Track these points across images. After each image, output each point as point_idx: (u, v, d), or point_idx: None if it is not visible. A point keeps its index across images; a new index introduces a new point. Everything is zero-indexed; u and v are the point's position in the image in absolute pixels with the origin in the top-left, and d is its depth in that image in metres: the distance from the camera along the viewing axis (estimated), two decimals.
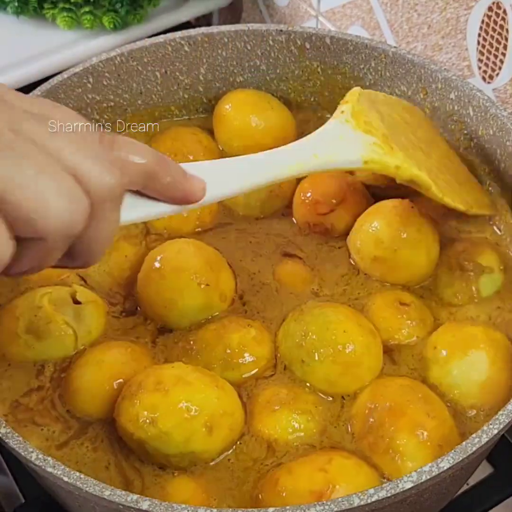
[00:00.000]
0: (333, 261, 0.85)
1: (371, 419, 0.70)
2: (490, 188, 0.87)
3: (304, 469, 0.67)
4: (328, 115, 0.98)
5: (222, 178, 0.67)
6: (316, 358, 0.73)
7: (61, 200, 0.49)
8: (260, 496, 0.67)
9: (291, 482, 0.65)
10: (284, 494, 0.65)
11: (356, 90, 0.80)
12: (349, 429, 0.72)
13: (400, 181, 0.77)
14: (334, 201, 0.86)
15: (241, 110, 0.93)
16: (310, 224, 0.86)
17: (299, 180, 0.89)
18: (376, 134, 0.76)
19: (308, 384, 0.74)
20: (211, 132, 0.96)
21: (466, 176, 0.87)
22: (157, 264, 0.79)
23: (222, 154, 0.94)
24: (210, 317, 0.79)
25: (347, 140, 0.74)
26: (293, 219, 0.88)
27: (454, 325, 0.77)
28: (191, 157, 0.92)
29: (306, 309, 0.77)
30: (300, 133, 0.96)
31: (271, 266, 0.84)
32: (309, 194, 0.87)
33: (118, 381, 0.73)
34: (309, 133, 0.77)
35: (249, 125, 0.93)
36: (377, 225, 0.81)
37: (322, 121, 0.97)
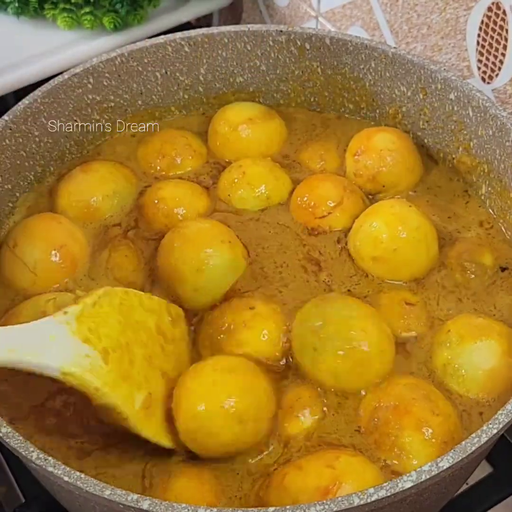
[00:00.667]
0: (342, 259, 0.85)
1: (377, 417, 0.70)
2: (489, 188, 0.88)
3: (311, 465, 0.67)
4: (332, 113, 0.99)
5: None
6: (329, 348, 0.73)
7: None
8: (266, 492, 0.67)
9: (299, 478, 0.66)
10: (290, 489, 0.65)
11: (101, 291, 0.71)
12: (356, 427, 0.72)
13: (97, 404, 0.67)
14: (331, 204, 0.86)
15: (235, 129, 0.94)
16: (308, 227, 0.87)
17: (295, 183, 0.90)
18: (96, 346, 0.67)
19: (313, 376, 0.74)
20: (205, 132, 0.97)
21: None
22: (180, 233, 0.81)
23: (212, 160, 0.95)
24: (235, 281, 0.80)
25: (56, 344, 0.65)
26: (292, 214, 0.89)
27: (470, 315, 0.78)
28: (178, 160, 0.93)
29: (330, 298, 0.77)
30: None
31: (297, 259, 0.85)
32: (306, 198, 0.87)
33: None
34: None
35: (241, 140, 0.94)
36: (375, 225, 0.82)
37: (326, 122, 0.99)
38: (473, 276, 0.82)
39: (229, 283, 0.80)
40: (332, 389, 0.74)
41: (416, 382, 0.73)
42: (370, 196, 0.89)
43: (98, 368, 0.66)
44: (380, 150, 0.89)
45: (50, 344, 0.65)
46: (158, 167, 0.93)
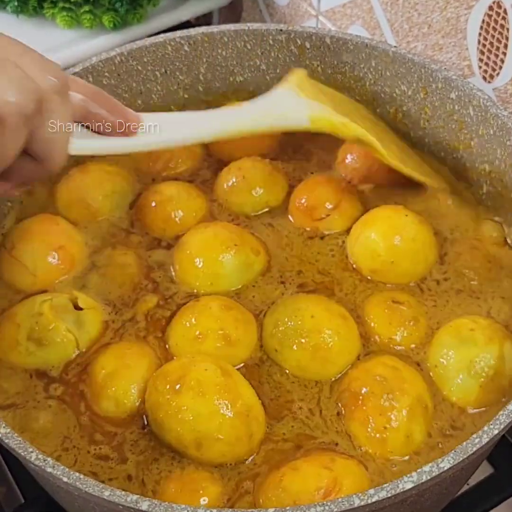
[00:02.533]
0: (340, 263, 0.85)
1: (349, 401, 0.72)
2: (490, 188, 0.88)
3: (308, 467, 0.67)
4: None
5: (179, 127, 0.75)
6: (286, 345, 0.75)
7: (12, 85, 0.58)
8: (263, 493, 0.67)
9: (298, 479, 0.66)
10: (290, 490, 0.65)
11: (301, 70, 0.85)
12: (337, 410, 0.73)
13: (347, 140, 0.82)
14: (329, 206, 0.86)
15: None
16: (306, 229, 0.87)
17: (291, 186, 0.90)
18: (323, 101, 0.81)
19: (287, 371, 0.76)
20: None
21: (413, 154, 0.92)
22: (183, 250, 0.82)
23: (209, 159, 0.95)
24: (255, 278, 0.82)
25: (294, 103, 0.79)
26: (290, 217, 0.88)
27: (483, 317, 0.78)
28: (173, 162, 0.93)
29: (281, 301, 0.79)
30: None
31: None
32: (304, 201, 0.87)
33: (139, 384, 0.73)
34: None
35: (245, 139, 0.93)
36: (372, 237, 0.82)
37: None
38: (471, 280, 0.82)
39: (248, 280, 0.82)
40: (307, 380, 0.75)
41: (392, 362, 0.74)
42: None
43: (334, 113, 0.80)
44: (367, 150, 0.89)
45: (289, 104, 0.79)
46: (153, 169, 0.93)
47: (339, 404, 0.73)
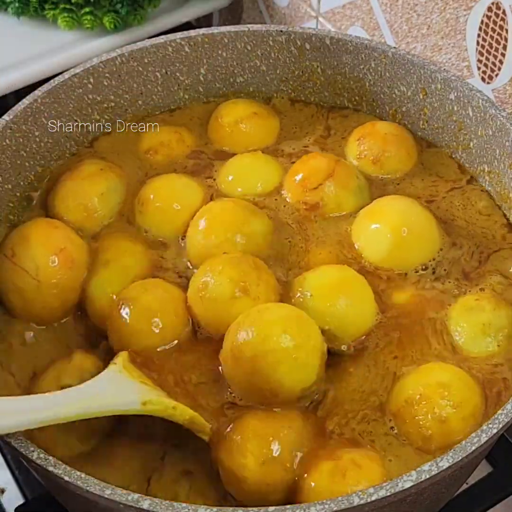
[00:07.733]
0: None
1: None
2: (489, 188, 0.88)
3: (371, 464, 0.67)
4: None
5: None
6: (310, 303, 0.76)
7: None
8: (304, 477, 0.67)
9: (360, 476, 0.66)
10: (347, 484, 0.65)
11: (125, 353, 0.76)
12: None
13: (180, 422, 0.72)
14: (322, 174, 0.87)
15: (240, 122, 0.94)
16: (302, 202, 0.87)
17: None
18: (150, 384, 0.74)
19: None
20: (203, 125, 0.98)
21: None
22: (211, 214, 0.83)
23: (208, 152, 0.95)
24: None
25: (123, 385, 0.73)
26: (287, 198, 0.89)
27: (482, 292, 0.79)
28: (172, 156, 0.93)
29: (300, 277, 0.79)
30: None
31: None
32: (298, 173, 0.88)
33: None
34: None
35: (245, 133, 0.94)
36: (378, 227, 0.82)
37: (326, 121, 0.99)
38: (475, 265, 0.82)
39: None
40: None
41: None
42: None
43: (164, 395, 0.72)
44: (384, 133, 0.91)
45: (118, 387, 0.72)
46: (152, 164, 0.93)
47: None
